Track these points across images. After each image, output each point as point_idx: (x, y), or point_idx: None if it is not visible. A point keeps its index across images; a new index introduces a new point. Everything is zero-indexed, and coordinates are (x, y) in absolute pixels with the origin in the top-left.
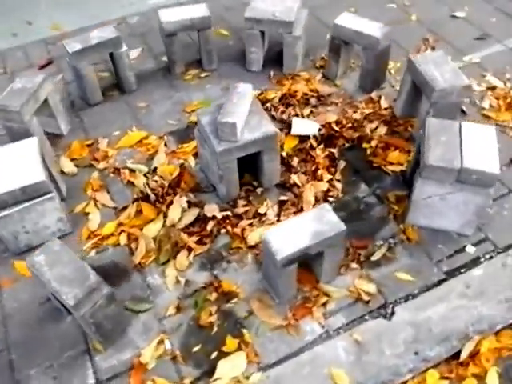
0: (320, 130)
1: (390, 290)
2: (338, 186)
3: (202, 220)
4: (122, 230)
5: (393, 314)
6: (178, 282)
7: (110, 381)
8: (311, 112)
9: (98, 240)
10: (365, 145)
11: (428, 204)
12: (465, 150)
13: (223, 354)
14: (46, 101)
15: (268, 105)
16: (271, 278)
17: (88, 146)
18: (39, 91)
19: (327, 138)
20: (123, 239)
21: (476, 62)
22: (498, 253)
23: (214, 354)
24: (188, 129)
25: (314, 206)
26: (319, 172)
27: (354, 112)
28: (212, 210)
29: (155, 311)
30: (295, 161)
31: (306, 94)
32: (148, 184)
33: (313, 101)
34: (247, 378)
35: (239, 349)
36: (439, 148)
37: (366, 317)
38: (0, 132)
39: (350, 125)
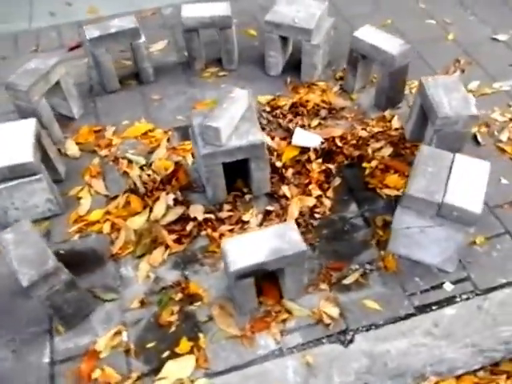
0: (322, 143)
1: (354, 316)
2: (327, 203)
3: (184, 219)
4: (107, 219)
5: (351, 341)
6: (148, 277)
7: (63, 363)
8: (319, 124)
9: (84, 225)
10: (365, 164)
11: (407, 234)
12: (451, 184)
13: (174, 355)
14: (59, 84)
15: (277, 111)
16: (230, 287)
17: (95, 131)
18: (51, 73)
19: (327, 152)
20: (107, 228)
21: (505, 91)
22: (477, 294)
23: (166, 353)
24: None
25: (297, 220)
26: (310, 186)
27: (363, 129)
28: (196, 210)
29: (120, 302)
30: (289, 172)
31: (317, 105)
32: (141, 177)
33: (323, 112)
34: (192, 381)
35: (191, 352)
36: (424, 178)
37: (324, 340)
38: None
39: (353, 142)
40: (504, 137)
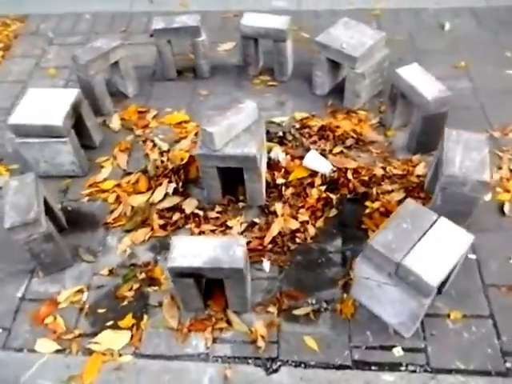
0: (333, 171)
1: (289, 348)
2: (311, 231)
3: (177, 209)
4: (115, 191)
5: (276, 371)
6: (125, 251)
7: (30, 302)
8: (341, 151)
9: (95, 191)
10: (368, 203)
11: (368, 285)
12: (419, 247)
13: (116, 326)
14: (118, 63)
15: (305, 130)
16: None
17: (140, 112)
18: (111, 53)
19: (334, 182)
20: (111, 198)
21: None
22: (426, 371)
23: (110, 323)
24: None
25: (275, 238)
26: (300, 210)
27: (382, 168)
28: (189, 204)
29: (94, 266)
30: (289, 191)
31: (346, 133)
32: (155, 161)
33: (349, 141)
34: (120, 355)
35: (130, 329)
36: (394, 233)
37: (250, 361)
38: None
39: (365, 178)
40: None
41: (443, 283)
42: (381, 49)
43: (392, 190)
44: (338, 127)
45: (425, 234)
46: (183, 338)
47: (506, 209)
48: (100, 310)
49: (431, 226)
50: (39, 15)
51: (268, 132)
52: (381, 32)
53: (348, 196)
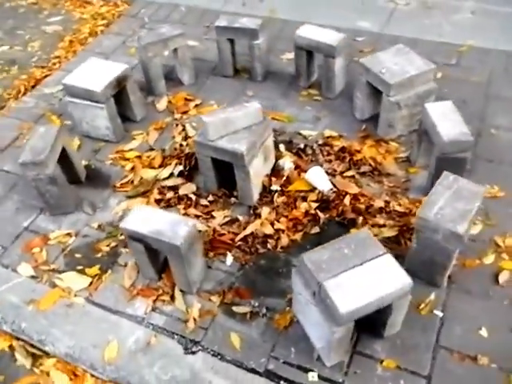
0: (333, 191)
1: (214, 338)
2: (284, 240)
3: (175, 189)
4: (133, 161)
5: (193, 353)
6: (117, 213)
7: (29, 232)
8: (352, 176)
9: (119, 157)
10: (353, 230)
11: (300, 302)
12: (350, 273)
13: (82, 272)
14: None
15: (326, 148)
16: None
17: (187, 99)
18: (170, 41)
19: (328, 201)
20: (128, 167)
21: None
22: None
23: (79, 267)
24: None
25: (246, 237)
26: (281, 219)
27: (385, 201)
28: (187, 188)
29: (89, 218)
30: (280, 199)
31: (365, 159)
32: (176, 143)
33: (365, 168)
34: (75, 295)
35: (93, 278)
36: (331, 254)
37: (175, 336)
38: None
39: (362, 206)
40: None
41: (379, 325)
42: (426, 82)
43: (384, 225)
44: (358, 152)
45: (362, 264)
46: (130, 298)
47: (502, 278)
48: (77, 255)
49: (373, 258)
50: (144, 1)
51: (290, 142)
52: (431, 64)
53: (336, 218)
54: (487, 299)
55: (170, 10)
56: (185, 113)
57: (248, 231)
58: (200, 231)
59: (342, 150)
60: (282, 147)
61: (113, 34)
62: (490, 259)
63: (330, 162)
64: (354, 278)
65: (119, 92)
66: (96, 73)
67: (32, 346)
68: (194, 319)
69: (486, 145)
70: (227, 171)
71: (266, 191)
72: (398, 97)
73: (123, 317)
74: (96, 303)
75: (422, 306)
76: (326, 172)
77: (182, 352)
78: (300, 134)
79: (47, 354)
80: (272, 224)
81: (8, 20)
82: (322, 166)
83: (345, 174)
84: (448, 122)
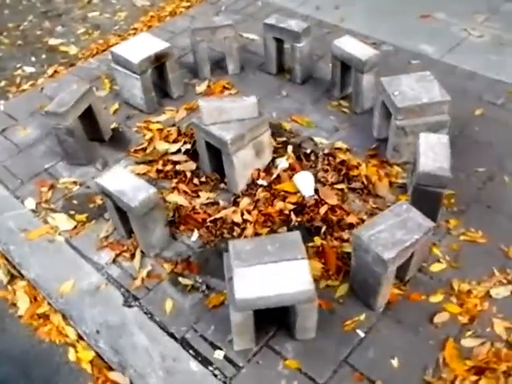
0: (313, 198)
1: (152, 299)
2: (249, 232)
3: (176, 164)
4: (154, 133)
5: (130, 307)
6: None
7: (46, 173)
8: (341, 189)
9: (144, 127)
10: (316, 238)
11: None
12: (262, 267)
13: (72, 217)
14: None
15: (329, 158)
16: None
17: (224, 87)
18: (218, 30)
19: (305, 206)
20: (147, 137)
21: None
22: (223, 382)
23: (71, 212)
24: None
25: (216, 220)
26: (252, 212)
27: (359, 219)
28: (187, 165)
29: (97, 173)
30: (262, 194)
31: (359, 176)
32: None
33: (356, 184)
34: (59, 234)
35: (78, 223)
36: (256, 247)
37: (122, 289)
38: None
39: (334, 218)
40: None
41: (291, 326)
42: (439, 113)
43: (347, 240)
44: (356, 168)
45: (277, 262)
46: (99, 247)
47: (438, 318)
48: (74, 201)
49: (289, 259)
50: None
51: (299, 145)
52: (447, 96)
53: (306, 224)
54: (414, 334)
55: (248, 2)
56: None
57: (219, 215)
58: (180, 206)
59: (342, 162)
60: (289, 148)
61: (188, 16)
62: (437, 298)
63: (326, 171)
64: (263, 273)
65: (161, 68)
66: (141, 46)
67: (13, 267)
68: (142, 279)
69: (492, 190)
70: (221, 158)
71: (252, 183)
72: (404, 122)
73: (88, 262)
74: (72, 245)
75: (348, 322)
76: (318, 180)
77: (121, 303)
78: (312, 140)
79: (22, 277)
80: (242, 214)
81: None
82: (317, 173)
83: (335, 186)
84: (433, 155)
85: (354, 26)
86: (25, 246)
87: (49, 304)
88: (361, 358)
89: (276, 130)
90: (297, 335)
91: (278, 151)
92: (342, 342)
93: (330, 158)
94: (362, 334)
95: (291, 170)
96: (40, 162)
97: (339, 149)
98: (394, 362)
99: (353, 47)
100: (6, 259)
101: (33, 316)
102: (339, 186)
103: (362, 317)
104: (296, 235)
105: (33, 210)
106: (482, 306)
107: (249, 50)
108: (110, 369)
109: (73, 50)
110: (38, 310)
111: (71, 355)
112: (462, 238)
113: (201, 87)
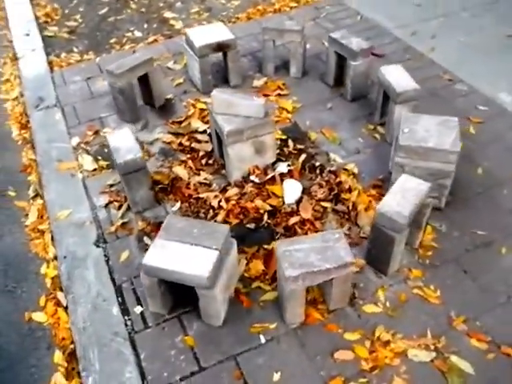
0: (290, 206)
1: (116, 246)
2: (220, 218)
3: (197, 142)
4: (196, 111)
5: (97, 246)
6: (150, 139)
7: (99, 122)
8: (324, 208)
9: (192, 103)
10: (274, 242)
11: None
12: (179, 245)
13: (97, 161)
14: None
15: (331, 176)
16: None
17: (279, 87)
18: (285, 33)
19: (279, 211)
20: (190, 112)
21: None
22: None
23: (99, 158)
24: (293, 130)
25: (198, 200)
26: (232, 202)
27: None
28: (203, 145)
29: (135, 132)
30: (250, 188)
31: (348, 202)
32: None
33: (340, 207)
34: (81, 172)
35: (99, 167)
36: (185, 227)
37: (99, 229)
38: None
39: (298, 230)
40: None
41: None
42: (445, 162)
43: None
44: (349, 192)
45: (192, 244)
46: (101, 191)
47: (338, 354)
48: (105, 150)
49: (204, 246)
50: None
51: (313, 156)
52: (457, 147)
53: (272, 226)
54: (310, 360)
55: (348, 14)
56: (266, 96)
57: (202, 195)
58: (179, 178)
59: (338, 183)
60: (302, 157)
61: (287, 15)
62: (352, 337)
63: (320, 186)
64: (176, 250)
65: (224, 57)
66: (210, 34)
67: (40, 187)
68: (117, 227)
69: (481, 257)
70: None
71: (248, 177)
72: (405, 160)
73: (88, 200)
74: (85, 183)
75: (257, 325)
76: (309, 193)
77: (92, 241)
78: (328, 155)
79: (42, 197)
80: (220, 201)
81: None
82: (311, 186)
83: (321, 203)
84: (400, 198)
85: (440, 57)
86: (53, 173)
87: (48, 224)
88: (250, 360)
89: (300, 138)
90: (203, 318)
91: (290, 156)
92: (242, 341)
93: (332, 176)
94: (263, 340)
95: (290, 176)
96: (99, 110)
97: (346, 170)
98: (276, 376)
99: (395, 77)
100: (39, 180)
101: (34, 229)
102: (324, 204)
103: (273, 326)
104: (224, 228)
105: (73, 147)
106: (391, 361)
107: (320, 58)
108: (61, 289)
109: (179, 25)
110: (40, 226)
111: (42, 269)
112: (415, 291)
113: (259, 82)
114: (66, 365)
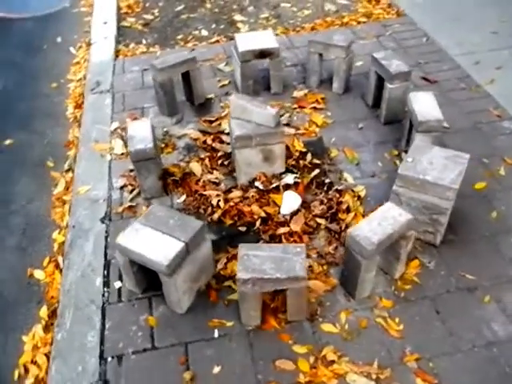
0: (283, 217)
1: (119, 225)
2: (215, 216)
3: (221, 142)
4: (228, 112)
5: (103, 222)
6: (180, 133)
7: (139, 112)
8: (318, 224)
9: (228, 105)
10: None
11: None
12: (152, 232)
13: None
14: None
15: (336, 195)
16: None
17: (316, 101)
18: (330, 47)
19: (272, 220)
20: (224, 113)
21: None
22: None
23: None
24: (316, 144)
25: (201, 196)
26: (231, 203)
27: None
28: (224, 147)
29: (169, 124)
30: (251, 194)
31: (341, 222)
32: None
33: (333, 227)
34: (110, 154)
35: (127, 155)
36: (164, 217)
37: (108, 208)
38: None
39: (284, 240)
40: None
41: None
42: (443, 197)
43: None
44: (345, 213)
45: (164, 233)
46: (121, 174)
47: (281, 363)
48: None
49: (174, 237)
50: (408, 20)
51: (325, 173)
52: (455, 185)
53: (261, 234)
54: (253, 361)
55: (413, 35)
56: (301, 107)
57: (205, 192)
58: (192, 173)
59: (340, 203)
60: (315, 172)
61: (352, 30)
62: (300, 350)
63: (321, 203)
64: (148, 235)
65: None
66: (256, 40)
67: (75, 162)
68: (124, 209)
69: (459, 301)
70: None
71: (253, 183)
72: (400, 189)
73: (108, 181)
74: (110, 165)
75: (215, 321)
76: (308, 207)
77: (100, 217)
78: (341, 173)
79: (73, 171)
80: (219, 200)
81: None
82: (313, 201)
83: (316, 219)
84: (375, 225)
85: (496, 91)
86: (87, 152)
87: (70, 196)
88: (198, 349)
89: (320, 153)
90: (167, 303)
91: (303, 169)
92: (197, 331)
93: (336, 195)
94: (216, 335)
95: (296, 188)
96: (144, 101)
97: (353, 191)
98: (216, 369)
99: (422, 104)
100: (75, 156)
101: (59, 199)
102: (319, 220)
103: (230, 324)
104: (198, 224)
105: (111, 131)
106: (328, 381)
107: (368, 77)
108: (62, 254)
109: (244, 28)
110: (64, 197)
111: (54, 234)
112: (378, 319)
113: (299, 92)
114: (47, 319)
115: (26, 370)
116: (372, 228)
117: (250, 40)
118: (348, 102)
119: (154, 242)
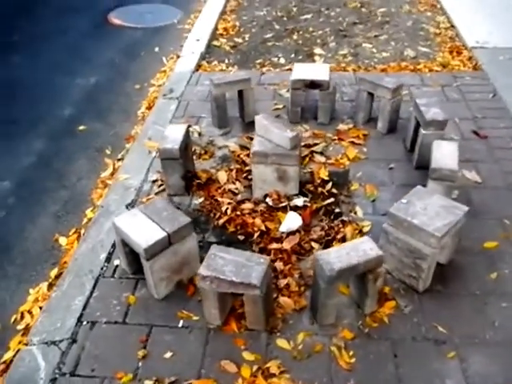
0: (280, 234)
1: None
2: (221, 222)
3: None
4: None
5: (127, 208)
6: (221, 145)
7: (192, 120)
8: (312, 248)
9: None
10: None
11: None
12: (145, 223)
13: None
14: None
15: (338, 225)
16: None
17: (353, 136)
18: (378, 88)
19: (268, 235)
20: None
21: None
22: None
23: None
24: (340, 175)
25: (216, 201)
26: (238, 212)
27: (288, 272)
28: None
29: (217, 135)
30: (260, 208)
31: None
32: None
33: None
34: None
35: None
36: (152, 212)
37: (132, 199)
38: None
39: (272, 257)
40: None
41: None
42: (428, 244)
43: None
44: (340, 242)
45: (153, 222)
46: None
47: (226, 365)
48: None
49: (159, 226)
50: (477, 79)
51: (338, 203)
52: (442, 232)
53: (253, 244)
54: (202, 356)
55: (482, 90)
56: (340, 139)
57: (219, 198)
58: (216, 180)
59: (338, 231)
60: (329, 200)
61: (420, 76)
62: (248, 357)
63: (321, 229)
64: (139, 221)
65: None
66: (310, 71)
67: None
68: (148, 199)
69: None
70: None
71: (266, 200)
72: (389, 228)
73: (146, 173)
74: (153, 160)
75: (185, 312)
76: (307, 230)
77: (126, 203)
78: (354, 206)
79: (122, 160)
80: (227, 208)
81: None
82: (315, 226)
83: (311, 242)
84: (343, 254)
85: None
86: (139, 147)
87: (112, 181)
88: (160, 333)
89: (341, 184)
90: (147, 287)
91: (319, 196)
92: (165, 318)
93: (339, 225)
94: (180, 325)
95: (303, 211)
96: (202, 111)
97: (357, 225)
98: (168, 354)
99: (441, 152)
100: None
101: (103, 182)
102: (314, 244)
103: (196, 318)
104: (185, 220)
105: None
106: None
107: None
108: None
109: (320, 61)
110: (108, 181)
111: (88, 211)
112: (332, 348)
113: (343, 126)
114: (53, 279)
115: (22, 317)
116: (339, 255)
117: (306, 70)
118: (388, 142)
119: (143, 227)
